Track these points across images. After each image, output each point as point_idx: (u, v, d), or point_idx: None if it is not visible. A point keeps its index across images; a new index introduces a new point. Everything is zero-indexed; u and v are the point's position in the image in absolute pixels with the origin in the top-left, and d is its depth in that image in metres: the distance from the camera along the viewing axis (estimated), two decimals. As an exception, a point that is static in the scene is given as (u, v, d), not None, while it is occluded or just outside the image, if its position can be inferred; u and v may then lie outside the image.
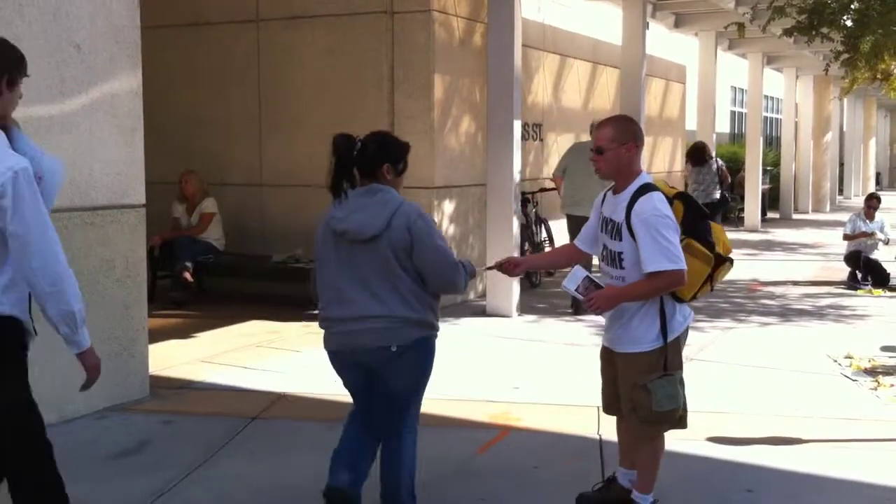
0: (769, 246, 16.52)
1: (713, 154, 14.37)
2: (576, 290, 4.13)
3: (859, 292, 11.15)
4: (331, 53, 10.00)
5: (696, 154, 13.84)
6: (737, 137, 28.16)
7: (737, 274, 12.55)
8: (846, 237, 11.86)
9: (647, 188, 4.06)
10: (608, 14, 14.64)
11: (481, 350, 7.80)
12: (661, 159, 17.28)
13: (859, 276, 11.63)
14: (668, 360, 4.10)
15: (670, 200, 4.06)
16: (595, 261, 4.67)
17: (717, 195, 13.67)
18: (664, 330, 4.06)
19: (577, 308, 9.04)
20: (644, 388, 4.07)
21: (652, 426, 4.19)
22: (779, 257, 14.94)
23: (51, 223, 3.28)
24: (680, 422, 4.23)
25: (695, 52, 18.71)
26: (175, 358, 7.44)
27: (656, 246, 3.92)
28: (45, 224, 3.26)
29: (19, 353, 3.45)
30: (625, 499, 4.38)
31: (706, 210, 4.25)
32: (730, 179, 14.20)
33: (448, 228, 9.94)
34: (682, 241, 4.01)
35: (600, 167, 4.17)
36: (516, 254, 9.20)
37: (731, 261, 4.22)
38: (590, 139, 10.02)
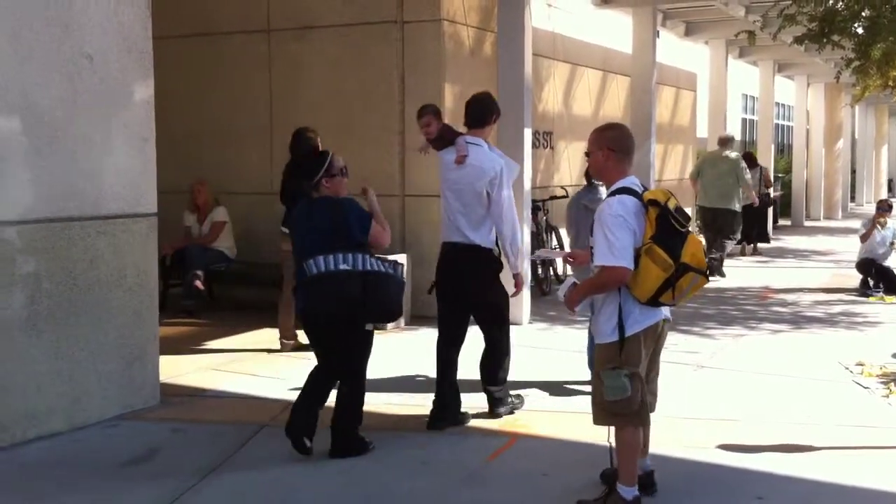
0: (781, 253, 16.47)
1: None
2: (564, 295, 4.61)
3: (871, 299, 11.10)
4: (341, 63, 10.03)
5: (747, 159, 15.33)
6: (748, 145, 28.09)
7: (748, 281, 12.59)
8: (863, 238, 11.78)
9: (619, 191, 4.34)
10: (618, 22, 14.65)
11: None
12: (673, 167, 17.26)
13: (871, 283, 11.59)
14: (622, 354, 4.32)
15: (644, 206, 4.26)
16: None
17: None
18: (620, 325, 4.30)
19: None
20: (598, 376, 4.40)
21: (607, 416, 4.46)
22: (790, 264, 14.89)
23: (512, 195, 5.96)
24: (638, 416, 4.43)
25: (705, 60, 18.69)
26: (185, 366, 7.46)
27: (605, 242, 4.24)
28: (510, 195, 5.92)
29: (500, 270, 5.99)
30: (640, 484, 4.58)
31: (681, 220, 4.30)
32: (772, 182, 16.66)
33: (458, 237, 9.93)
34: (645, 245, 4.22)
35: (589, 168, 4.71)
36: (527, 263, 9.17)
37: (705, 275, 4.36)
38: (718, 149, 13.66)
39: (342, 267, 5.06)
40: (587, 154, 4.59)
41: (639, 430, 4.48)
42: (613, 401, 4.34)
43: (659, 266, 4.18)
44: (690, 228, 4.40)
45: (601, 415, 4.49)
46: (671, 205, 4.28)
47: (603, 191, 6.69)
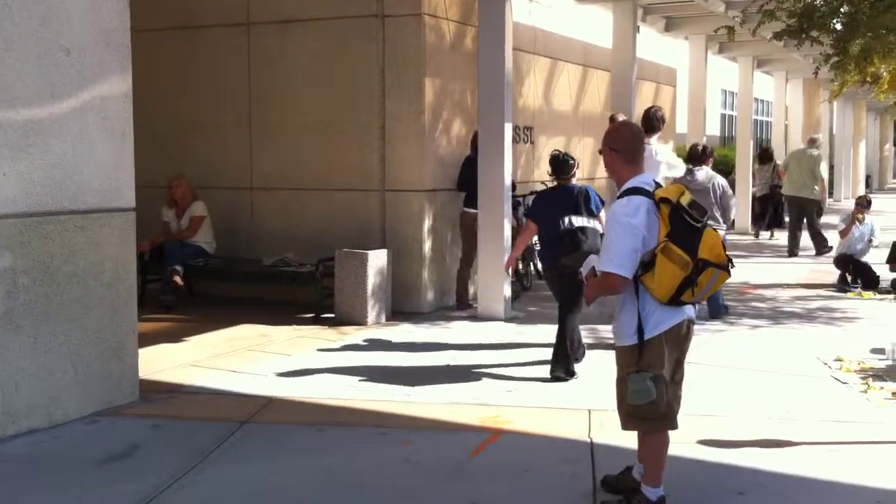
0: (759, 248, 16.54)
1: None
2: (585, 275, 4.61)
3: (849, 295, 11.15)
4: (321, 57, 9.99)
5: (764, 155, 18.56)
6: (727, 140, 28.23)
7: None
8: (842, 233, 11.85)
9: (628, 192, 4.25)
10: (599, 17, 14.66)
11: (473, 353, 7.79)
12: (652, 162, 17.27)
13: (849, 278, 11.65)
14: (643, 357, 4.21)
15: (656, 203, 4.13)
16: None
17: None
18: (640, 327, 4.20)
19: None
20: (622, 380, 4.29)
21: (633, 421, 4.35)
22: (769, 260, 14.96)
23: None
24: (665, 419, 4.31)
25: (685, 55, 18.75)
26: (165, 362, 7.42)
27: (606, 246, 4.24)
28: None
29: None
30: (633, 488, 4.54)
31: (696, 215, 4.15)
32: (782, 176, 17.48)
33: (439, 231, 9.93)
34: (660, 244, 4.08)
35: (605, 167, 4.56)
36: (506, 256, 9.15)
37: (727, 269, 4.20)
38: (804, 147, 16.13)
39: (589, 225, 6.81)
40: (600, 152, 4.56)
41: (665, 432, 4.37)
42: (637, 405, 4.20)
43: (676, 264, 4.05)
44: (711, 223, 4.34)
45: (628, 420, 4.36)
46: (684, 200, 4.13)
47: (700, 175, 9.11)
